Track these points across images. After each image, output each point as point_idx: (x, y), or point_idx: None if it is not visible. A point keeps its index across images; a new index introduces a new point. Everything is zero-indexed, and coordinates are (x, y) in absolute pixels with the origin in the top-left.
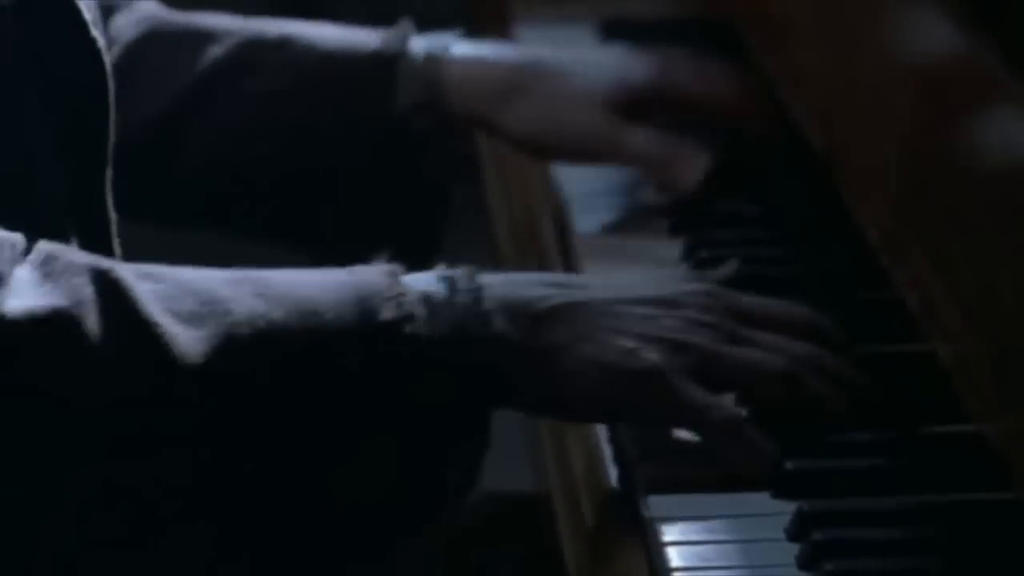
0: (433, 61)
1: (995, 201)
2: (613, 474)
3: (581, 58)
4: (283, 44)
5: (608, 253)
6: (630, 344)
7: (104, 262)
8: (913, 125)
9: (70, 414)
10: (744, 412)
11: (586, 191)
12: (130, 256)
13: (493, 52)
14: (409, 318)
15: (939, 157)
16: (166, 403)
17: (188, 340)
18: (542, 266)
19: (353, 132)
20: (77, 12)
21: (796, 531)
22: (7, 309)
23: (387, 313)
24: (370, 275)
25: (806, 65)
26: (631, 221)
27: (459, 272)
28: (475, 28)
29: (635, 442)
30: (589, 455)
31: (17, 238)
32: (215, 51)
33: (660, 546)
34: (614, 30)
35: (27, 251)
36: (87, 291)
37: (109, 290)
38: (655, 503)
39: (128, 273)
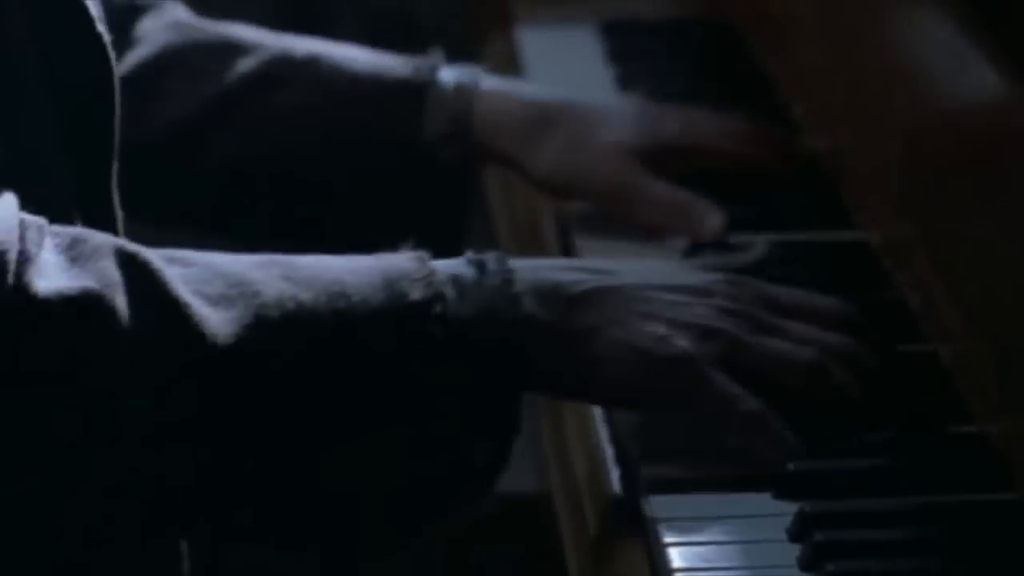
0: (462, 93)
1: (996, 202)
2: (615, 474)
3: (607, 103)
4: (312, 62)
5: (609, 254)
6: (661, 330)
7: (130, 245)
8: (914, 126)
9: (99, 395)
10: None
11: None
12: None
13: (522, 89)
14: (439, 297)
15: (940, 158)
16: (196, 384)
17: (218, 321)
18: None
19: (377, 157)
20: (83, 8)
21: (797, 532)
22: (38, 288)
23: (416, 294)
24: (398, 259)
25: (807, 66)
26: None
27: (488, 256)
28: (476, 29)
29: (637, 442)
30: (591, 455)
31: (42, 221)
32: (245, 63)
33: (661, 547)
34: (615, 31)
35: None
36: (115, 274)
37: (137, 272)
38: (657, 503)
39: (155, 256)
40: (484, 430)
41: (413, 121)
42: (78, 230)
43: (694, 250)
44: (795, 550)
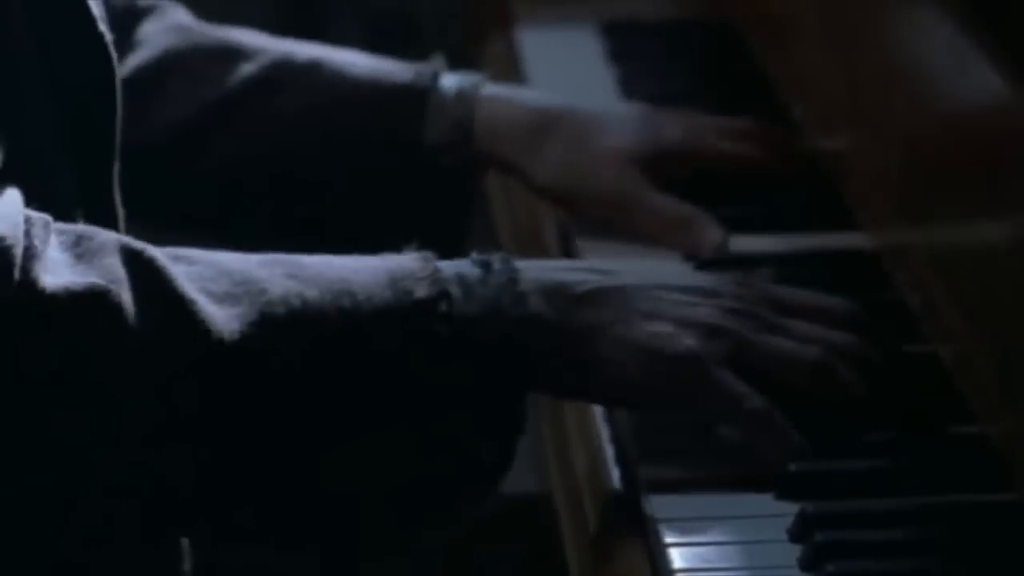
0: (463, 99)
1: (997, 202)
2: (615, 474)
3: (608, 110)
4: (313, 67)
5: (610, 255)
6: (667, 328)
7: (136, 243)
8: (914, 126)
9: (104, 390)
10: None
11: None
12: None
13: (523, 95)
14: (444, 296)
15: (940, 158)
16: (200, 381)
17: (223, 318)
18: None
19: (378, 161)
20: (85, 7)
21: (798, 532)
22: (44, 284)
23: (421, 292)
24: (403, 259)
25: (807, 66)
26: None
27: (493, 256)
28: (476, 29)
29: (637, 442)
30: (591, 455)
31: (47, 217)
32: (247, 68)
33: (662, 547)
34: (616, 31)
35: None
36: (120, 270)
37: (143, 269)
38: (657, 504)
39: (160, 254)
40: (489, 429)
41: (414, 126)
42: (83, 227)
43: (699, 269)
44: (796, 551)
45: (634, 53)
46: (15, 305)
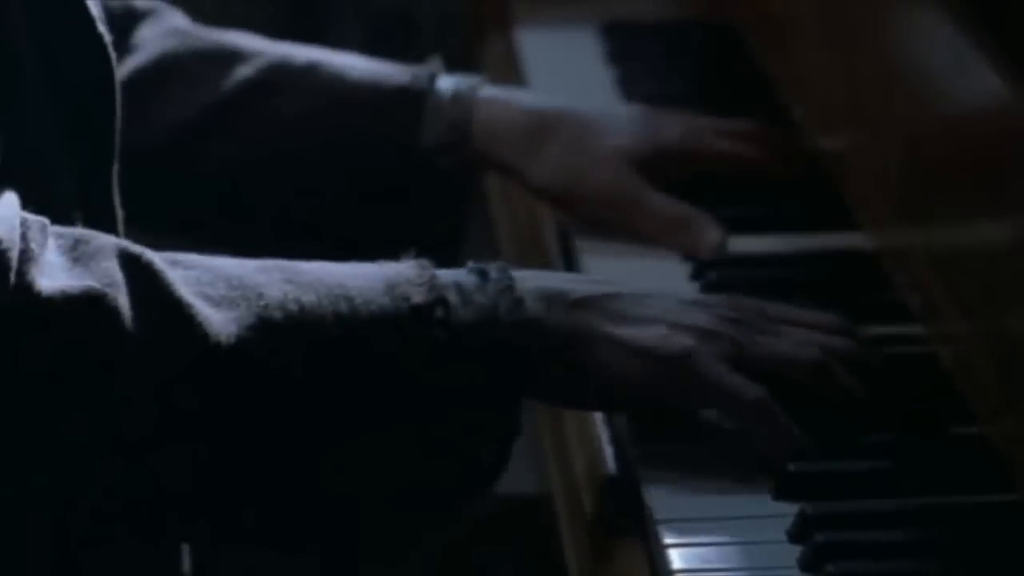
0: (460, 101)
1: (996, 202)
2: (615, 475)
3: (606, 111)
4: (311, 70)
5: (610, 255)
6: (663, 330)
7: (134, 247)
8: (914, 126)
9: (103, 393)
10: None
11: None
12: None
13: (520, 97)
14: (441, 302)
15: (940, 158)
16: (198, 384)
17: (221, 322)
18: (544, 268)
19: (375, 163)
20: (84, 8)
21: (798, 533)
22: (40, 287)
23: (418, 298)
24: (400, 265)
25: (807, 67)
26: None
27: (490, 265)
28: (476, 29)
29: (636, 443)
30: (590, 456)
31: (44, 220)
32: (244, 70)
33: (661, 547)
34: (615, 32)
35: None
36: (118, 274)
37: (140, 273)
38: (657, 504)
39: (158, 258)
40: (487, 431)
41: (411, 129)
42: (81, 231)
43: (700, 270)
44: (795, 551)
45: (634, 54)
46: (11, 308)
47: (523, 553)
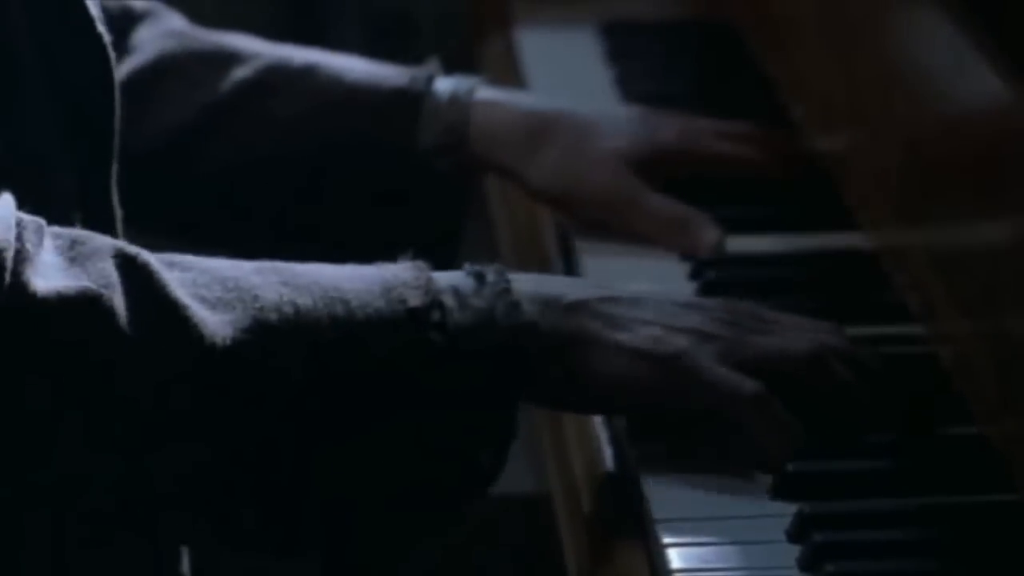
0: (457, 104)
1: (996, 202)
2: (614, 475)
3: (604, 112)
4: (309, 71)
5: (609, 256)
6: (658, 332)
7: (130, 248)
8: (914, 127)
9: (98, 394)
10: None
11: None
12: None
13: (518, 99)
14: (437, 305)
15: (940, 159)
16: (194, 386)
17: (216, 324)
18: (543, 270)
19: (373, 165)
20: (84, 8)
21: (797, 533)
22: (36, 288)
23: (414, 301)
24: (396, 268)
25: (807, 67)
26: None
27: (487, 268)
28: (476, 29)
29: (635, 443)
30: (589, 456)
31: (41, 221)
32: (241, 72)
33: (660, 547)
34: (615, 31)
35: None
36: (114, 275)
37: (136, 274)
38: (656, 504)
39: (155, 259)
40: (484, 434)
41: (408, 131)
42: (78, 232)
43: (698, 270)
44: (794, 551)
45: (633, 53)
46: (6, 308)
47: (522, 553)
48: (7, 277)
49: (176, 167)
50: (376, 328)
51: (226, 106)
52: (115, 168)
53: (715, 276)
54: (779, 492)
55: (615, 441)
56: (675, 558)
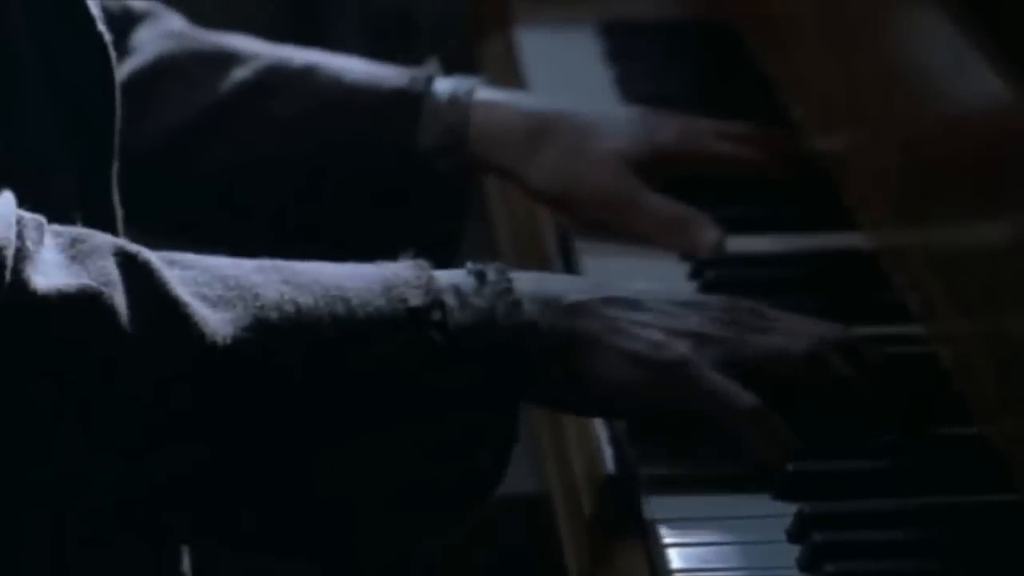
0: (457, 104)
1: (996, 202)
2: (614, 475)
3: (604, 113)
4: (308, 72)
5: (609, 256)
6: (658, 337)
7: (131, 246)
8: (913, 127)
9: (99, 392)
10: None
11: None
12: None
13: (518, 100)
14: (438, 304)
15: (939, 159)
16: (194, 384)
17: (217, 322)
18: (543, 270)
19: (372, 166)
20: (84, 7)
21: (797, 533)
22: (36, 285)
23: (415, 300)
24: (397, 267)
25: (807, 67)
26: None
27: (488, 267)
28: (476, 30)
29: (635, 443)
30: (589, 456)
31: (41, 219)
32: (241, 72)
33: (661, 547)
34: (615, 31)
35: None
36: (114, 273)
37: (137, 272)
38: (656, 504)
39: (155, 258)
40: (485, 435)
41: (408, 131)
42: (79, 230)
43: (698, 270)
44: (794, 551)
45: (633, 53)
46: (7, 306)
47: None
48: (7, 275)
49: (176, 167)
50: (377, 327)
51: (226, 106)
52: (116, 168)
53: (715, 276)
54: (779, 492)
55: (615, 441)
56: (675, 558)
